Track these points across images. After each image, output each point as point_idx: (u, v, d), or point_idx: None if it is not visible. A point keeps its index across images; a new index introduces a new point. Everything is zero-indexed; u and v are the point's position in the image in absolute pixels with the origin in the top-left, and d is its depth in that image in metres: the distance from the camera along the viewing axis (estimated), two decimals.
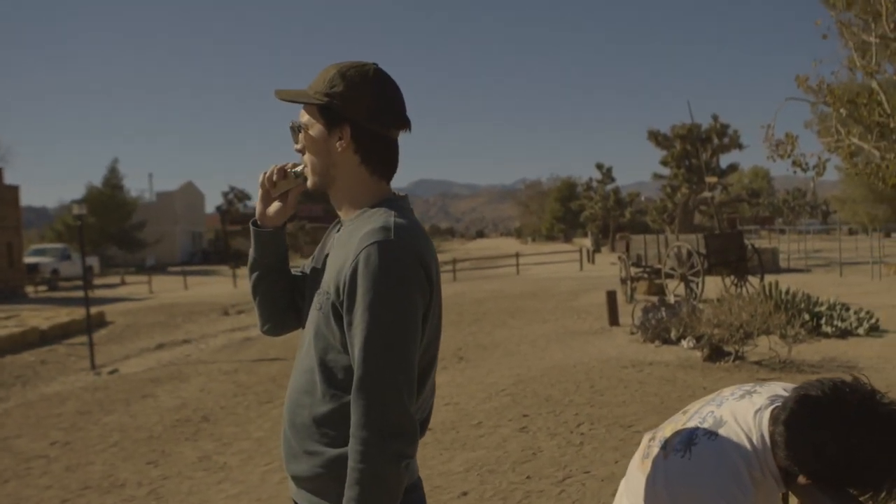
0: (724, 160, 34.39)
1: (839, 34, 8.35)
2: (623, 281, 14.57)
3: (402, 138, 1.44)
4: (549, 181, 73.43)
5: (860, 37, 8.08)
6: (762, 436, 1.36)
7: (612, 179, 47.97)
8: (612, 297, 10.53)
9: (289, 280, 1.58)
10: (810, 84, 8.52)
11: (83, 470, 5.04)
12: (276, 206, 1.53)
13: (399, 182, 1.47)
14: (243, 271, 22.52)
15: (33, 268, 26.61)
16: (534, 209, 72.40)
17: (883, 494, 1.29)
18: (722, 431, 1.40)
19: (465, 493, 4.06)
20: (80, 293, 18.12)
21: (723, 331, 7.17)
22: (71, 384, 8.70)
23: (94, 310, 12.54)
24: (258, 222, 1.54)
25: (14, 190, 25.16)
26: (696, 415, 1.49)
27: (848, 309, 9.41)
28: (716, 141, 32.85)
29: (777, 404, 1.38)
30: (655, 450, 1.50)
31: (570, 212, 57.11)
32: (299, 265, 1.63)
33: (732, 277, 13.42)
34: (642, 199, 50.89)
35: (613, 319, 10.37)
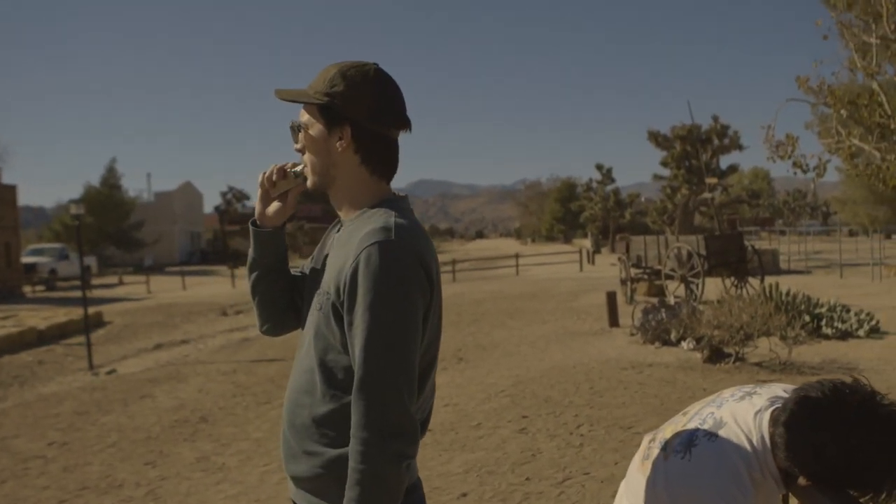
0: (725, 161, 34.42)
1: (840, 35, 8.36)
2: (623, 282, 14.56)
3: (402, 138, 1.44)
4: (548, 182, 73.50)
5: (861, 38, 8.09)
6: (762, 437, 1.36)
7: (612, 180, 47.98)
8: (611, 298, 10.53)
9: (288, 280, 1.57)
10: (811, 85, 8.53)
11: (81, 470, 5.03)
12: (275, 205, 1.53)
13: (398, 182, 1.47)
14: (242, 271, 22.52)
15: (31, 268, 26.61)
16: (533, 210, 72.45)
17: (883, 495, 1.29)
18: (722, 433, 1.40)
19: (464, 495, 4.05)
20: (77, 293, 18.11)
21: (723, 332, 7.17)
22: (68, 384, 8.69)
23: (91, 310, 12.54)
24: (257, 222, 1.54)
25: (12, 189, 25.16)
26: (696, 416, 1.49)
27: (848, 310, 9.41)
28: (716, 142, 32.86)
29: (777, 406, 1.38)
30: (655, 451, 1.50)
31: (569, 212, 57.13)
32: (298, 265, 1.63)
33: (732, 279, 13.42)
34: (642, 199, 50.92)
35: (613, 320, 10.37)
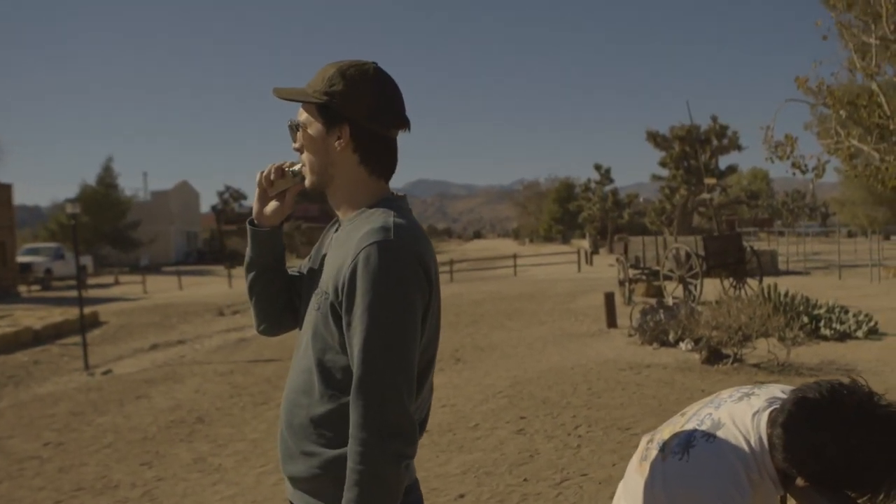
0: (723, 161, 34.41)
1: (839, 35, 8.36)
2: (621, 283, 14.57)
3: (401, 138, 1.43)
4: (547, 182, 73.53)
5: (860, 38, 8.09)
6: (760, 438, 1.36)
7: (611, 180, 47.97)
8: (610, 298, 10.53)
9: (285, 280, 1.57)
10: (810, 85, 8.52)
11: (76, 471, 5.02)
12: (273, 205, 1.52)
13: (396, 182, 1.46)
14: (238, 271, 22.48)
15: (26, 267, 26.53)
16: (532, 210, 72.46)
17: (881, 496, 1.29)
18: (720, 434, 1.40)
19: (461, 496, 4.04)
20: (73, 293, 18.06)
21: (721, 333, 7.17)
22: (64, 385, 8.67)
23: (87, 310, 12.52)
24: (255, 221, 1.53)
25: (7, 188, 25.11)
26: (694, 417, 1.49)
27: (847, 312, 9.42)
28: (715, 142, 32.86)
29: (775, 406, 1.38)
30: (653, 452, 1.50)
31: (568, 213, 57.13)
32: (295, 265, 1.62)
33: (731, 279, 13.43)
34: (641, 200, 50.97)
35: (611, 321, 10.37)
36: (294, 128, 1.43)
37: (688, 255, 12.78)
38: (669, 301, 11.04)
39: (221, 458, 5.12)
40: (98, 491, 4.58)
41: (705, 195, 23.77)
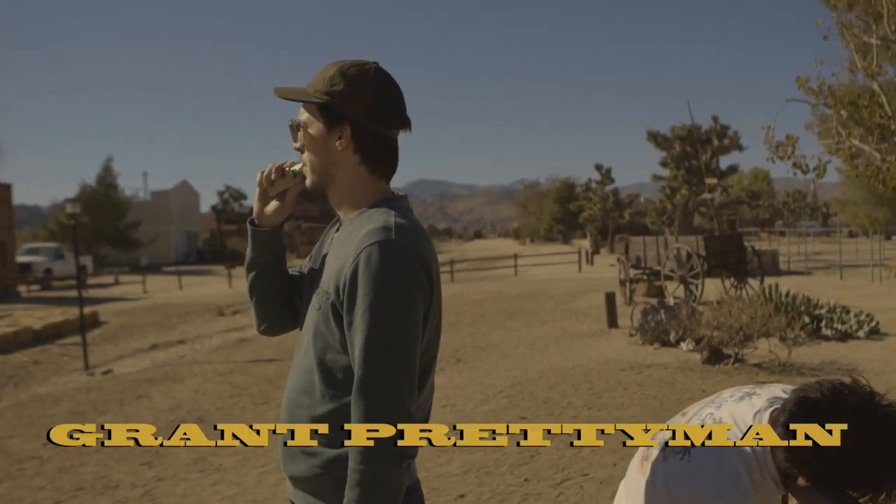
0: (724, 161, 34.42)
1: (840, 35, 8.36)
2: (622, 283, 14.56)
3: (401, 138, 1.43)
4: (547, 182, 73.46)
5: (861, 38, 8.09)
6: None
7: (612, 180, 47.96)
8: (610, 298, 10.53)
9: (286, 280, 1.57)
10: (811, 85, 8.52)
11: (76, 471, 5.01)
12: (273, 205, 1.52)
13: (397, 182, 1.46)
14: (239, 271, 22.49)
15: (26, 267, 26.54)
16: (532, 210, 72.42)
17: (882, 496, 1.29)
18: None
19: (462, 496, 4.04)
20: (73, 293, 18.05)
21: (722, 333, 7.16)
22: (64, 385, 8.68)
23: (87, 310, 12.52)
24: (255, 221, 1.53)
25: (7, 188, 25.11)
26: (696, 417, 1.49)
27: (848, 312, 9.42)
28: (716, 142, 32.86)
29: (776, 406, 1.38)
30: (655, 452, 1.49)
31: (568, 213, 57.09)
32: (296, 265, 1.62)
33: (732, 279, 13.42)
34: (641, 200, 50.95)
35: (612, 321, 10.36)
36: (295, 127, 1.43)
37: (689, 255, 12.77)
38: (670, 301, 11.03)
39: (222, 458, 5.12)
40: (98, 491, 4.58)
41: (706, 195, 23.76)
